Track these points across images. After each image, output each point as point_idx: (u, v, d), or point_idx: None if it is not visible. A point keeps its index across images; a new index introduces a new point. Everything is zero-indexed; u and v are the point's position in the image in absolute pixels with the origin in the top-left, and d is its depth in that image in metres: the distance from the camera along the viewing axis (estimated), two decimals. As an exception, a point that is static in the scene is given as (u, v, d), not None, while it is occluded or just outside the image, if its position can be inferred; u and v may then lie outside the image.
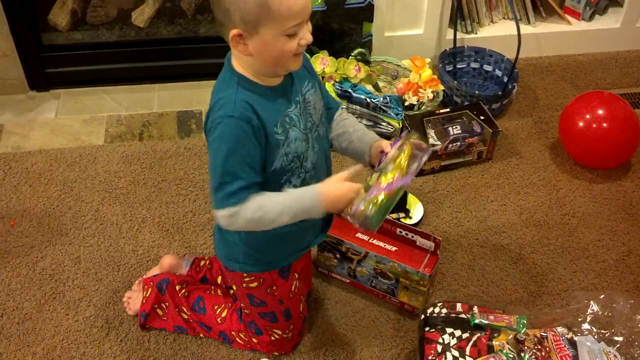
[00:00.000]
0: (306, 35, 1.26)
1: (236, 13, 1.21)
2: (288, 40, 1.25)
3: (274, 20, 1.21)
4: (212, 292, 1.75)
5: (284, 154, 1.34)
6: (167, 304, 1.73)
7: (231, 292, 1.75)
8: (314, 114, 1.40)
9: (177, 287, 1.73)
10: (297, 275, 1.58)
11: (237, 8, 1.20)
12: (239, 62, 1.32)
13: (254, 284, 1.54)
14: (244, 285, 1.55)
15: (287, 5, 1.20)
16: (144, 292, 1.74)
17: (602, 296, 1.70)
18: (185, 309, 1.72)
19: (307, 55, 1.46)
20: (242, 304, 1.64)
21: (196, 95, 2.53)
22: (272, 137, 1.31)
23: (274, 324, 1.62)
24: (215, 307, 1.71)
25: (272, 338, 1.65)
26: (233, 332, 1.69)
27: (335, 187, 1.34)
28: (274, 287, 1.55)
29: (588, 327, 1.65)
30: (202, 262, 1.84)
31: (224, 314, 1.70)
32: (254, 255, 1.49)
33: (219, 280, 1.79)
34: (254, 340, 1.67)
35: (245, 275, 1.53)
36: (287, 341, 1.67)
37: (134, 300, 1.77)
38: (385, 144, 1.43)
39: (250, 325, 1.65)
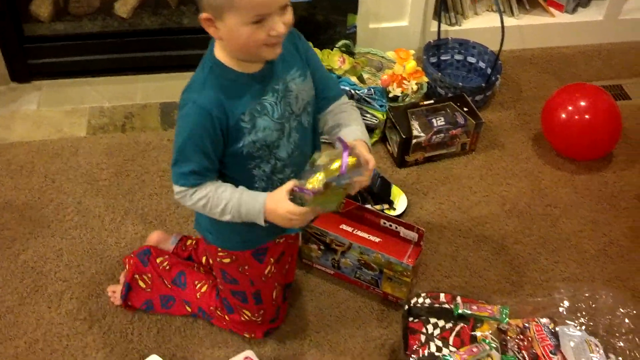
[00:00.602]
0: (276, 26, 1.23)
1: None
2: (255, 29, 1.22)
3: (237, 9, 1.20)
4: (195, 268, 1.76)
5: (251, 142, 1.34)
6: (149, 275, 1.73)
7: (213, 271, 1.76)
8: (294, 103, 1.39)
9: (158, 260, 1.74)
10: (272, 260, 1.58)
11: None
12: (219, 45, 1.32)
13: (227, 260, 1.56)
14: (218, 260, 1.57)
15: None
16: (126, 267, 1.76)
17: (585, 288, 1.72)
18: (166, 282, 1.72)
19: (308, 43, 1.45)
20: (217, 279, 1.65)
21: (179, 87, 2.42)
22: (237, 125, 1.32)
23: (244, 305, 1.63)
24: (196, 282, 1.73)
25: (242, 318, 1.66)
26: (212, 308, 1.70)
27: (279, 206, 1.33)
28: (246, 267, 1.56)
29: (570, 317, 1.67)
30: (189, 242, 1.86)
31: (203, 289, 1.71)
32: (224, 232, 1.50)
33: (204, 260, 1.80)
34: (227, 317, 1.68)
35: (219, 250, 1.55)
36: (257, 325, 1.68)
37: (119, 293, 1.76)
38: (357, 145, 1.37)
39: (224, 302, 1.66)
